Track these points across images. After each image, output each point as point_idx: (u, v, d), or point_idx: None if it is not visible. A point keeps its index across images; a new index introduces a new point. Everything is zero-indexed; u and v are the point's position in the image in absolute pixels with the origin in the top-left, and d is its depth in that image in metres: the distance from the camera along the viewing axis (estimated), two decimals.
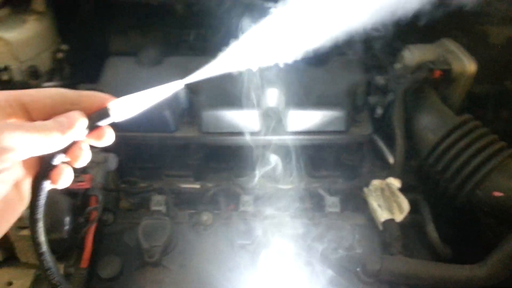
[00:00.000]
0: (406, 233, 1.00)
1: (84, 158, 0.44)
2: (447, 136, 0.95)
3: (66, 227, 0.84)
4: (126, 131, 1.02)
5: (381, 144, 1.12)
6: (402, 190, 1.00)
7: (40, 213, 0.43)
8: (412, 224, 1.01)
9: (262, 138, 1.02)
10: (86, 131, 0.43)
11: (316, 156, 1.12)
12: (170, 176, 1.10)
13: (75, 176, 0.95)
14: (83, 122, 0.42)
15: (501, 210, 0.90)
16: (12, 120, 0.39)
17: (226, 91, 0.97)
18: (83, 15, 1.29)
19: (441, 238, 1.01)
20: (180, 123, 1.03)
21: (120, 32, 1.29)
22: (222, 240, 0.97)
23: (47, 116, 0.41)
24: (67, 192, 0.90)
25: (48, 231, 0.44)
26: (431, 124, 1.00)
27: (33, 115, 0.41)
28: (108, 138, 0.45)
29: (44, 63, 1.20)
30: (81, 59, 1.30)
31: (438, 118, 1.00)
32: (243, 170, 1.08)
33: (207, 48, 1.22)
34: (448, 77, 1.07)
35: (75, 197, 0.89)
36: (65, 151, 0.42)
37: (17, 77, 1.16)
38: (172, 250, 0.95)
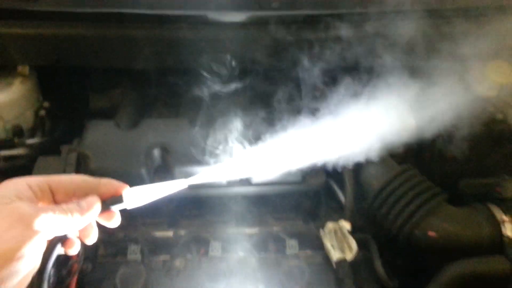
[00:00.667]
0: (358, 269, 1.12)
1: (94, 235, 0.54)
2: (389, 184, 1.09)
3: (51, 279, 0.93)
4: None
5: (336, 188, 1.25)
6: (354, 230, 1.14)
7: (47, 275, 0.52)
8: (362, 261, 1.13)
9: (230, 189, 1.14)
10: (99, 213, 0.52)
11: (278, 203, 1.24)
12: (145, 224, 1.20)
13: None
14: (99, 206, 0.51)
15: (434, 247, 1.04)
16: (40, 204, 0.48)
17: (197, 148, 1.10)
18: (64, 74, 1.40)
19: (391, 272, 1.14)
20: (154, 178, 1.14)
21: (100, 91, 1.40)
22: (193, 284, 1.07)
23: (68, 198, 0.50)
24: None
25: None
26: (375, 172, 1.14)
27: (56, 197, 0.50)
28: (116, 220, 0.55)
29: (27, 121, 1.30)
30: (62, 115, 1.40)
31: (381, 167, 1.15)
32: (213, 217, 1.19)
33: (181, 105, 1.34)
34: None
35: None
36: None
37: (1, 135, 1.26)
38: None
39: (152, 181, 1.13)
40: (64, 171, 1.11)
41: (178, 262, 1.11)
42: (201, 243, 1.14)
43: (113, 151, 1.10)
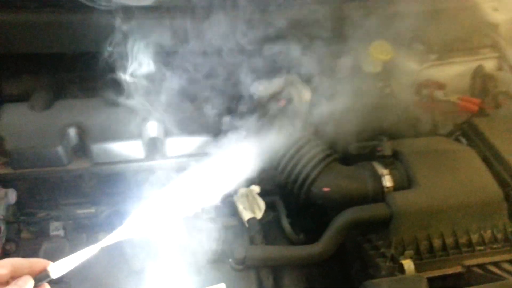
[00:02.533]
0: (268, 227, 1.27)
1: None
2: (288, 149, 1.24)
3: None
4: (23, 168, 1.16)
5: None
6: (263, 194, 1.28)
7: None
8: (272, 222, 1.28)
9: (147, 163, 1.23)
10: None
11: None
12: (67, 205, 1.24)
13: None
14: (32, 283, 0.66)
15: (329, 201, 1.21)
16: None
17: (113, 124, 1.17)
18: None
19: (298, 230, 1.30)
20: (72, 156, 1.19)
21: (12, 77, 1.39)
22: (116, 257, 1.14)
23: (8, 278, 0.65)
24: None
25: None
26: (279, 140, 1.29)
27: None
28: None
29: None
30: None
31: (283, 136, 1.29)
32: (133, 192, 1.26)
33: (95, 88, 1.38)
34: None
35: None
36: None
37: None
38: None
39: (70, 160, 1.18)
40: None
41: (101, 236, 1.17)
42: (123, 218, 1.21)
43: (28, 132, 1.13)
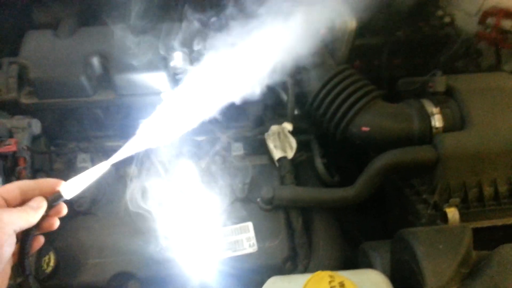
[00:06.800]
0: (301, 168, 1.20)
1: (53, 225, 0.67)
2: (327, 83, 1.12)
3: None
4: (48, 98, 1.13)
5: (282, 93, 1.28)
6: (296, 132, 1.19)
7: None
8: (306, 161, 1.20)
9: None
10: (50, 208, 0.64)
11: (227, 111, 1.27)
12: (96, 137, 1.22)
13: (2, 141, 1.07)
14: (45, 203, 0.64)
15: (369, 141, 1.10)
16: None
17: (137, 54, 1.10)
18: None
19: (334, 171, 1.22)
20: (97, 87, 1.15)
21: (42, 5, 1.35)
22: (145, 189, 1.11)
23: (19, 202, 0.63)
24: None
25: None
26: (316, 74, 1.17)
27: (9, 203, 0.62)
28: (63, 211, 0.68)
29: None
30: (6, 32, 1.36)
31: (322, 68, 1.17)
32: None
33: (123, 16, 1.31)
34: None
35: (4, 159, 1.01)
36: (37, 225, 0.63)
37: None
38: (101, 200, 1.10)
39: (95, 91, 1.14)
40: (6, 83, 1.10)
41: (130, 170, 1.15)
42: (150, 151, 1.18)
43: (52, 60, 1.09)
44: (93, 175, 0.68)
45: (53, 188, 0.65)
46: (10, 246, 0.59)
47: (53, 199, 0.64)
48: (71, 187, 0.65)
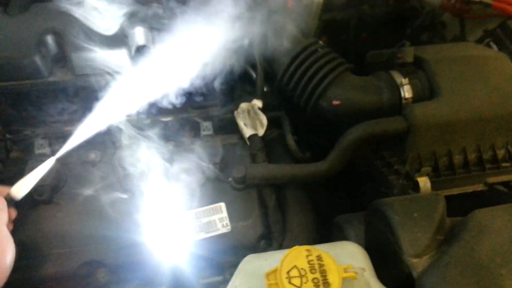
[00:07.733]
0: (272, 145, 1.17)
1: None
2: (295, 58, 1.10)
3: None
4: (0, 80, 1.05)
5: (251, 70, 1.25)
6: (266, 109, 1.16)
7: None
8: (277, 138, 1.18)
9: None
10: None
11: (195, 91, 1.22)
12: (55, 122, 1.15)
13: None
14: (4, 202, 0.75)
15: (340, 115, 1.09)
16: None
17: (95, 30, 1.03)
18: None
19: (304, 147, 1.20)
20: (53, 68, 1.07)
21: None
22: (110, 174, 1.06)
23: None
24: None
25: None
26: (284, 49, 1.14)
27: None
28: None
29: None
30: None
31: (290, 43, 1.14)
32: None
33: None
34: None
35: None
36: None
37: None
38: (62, 187, 1.04)
39: (50, 72, 1.06)
40: None
41: (93, 154, 1.09)
42: (114, 134, 1.12)
43: (2, 40, 1.01)
44: (40, 172, 0.76)
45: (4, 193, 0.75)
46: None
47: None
48: (21, 188, 0.74)
